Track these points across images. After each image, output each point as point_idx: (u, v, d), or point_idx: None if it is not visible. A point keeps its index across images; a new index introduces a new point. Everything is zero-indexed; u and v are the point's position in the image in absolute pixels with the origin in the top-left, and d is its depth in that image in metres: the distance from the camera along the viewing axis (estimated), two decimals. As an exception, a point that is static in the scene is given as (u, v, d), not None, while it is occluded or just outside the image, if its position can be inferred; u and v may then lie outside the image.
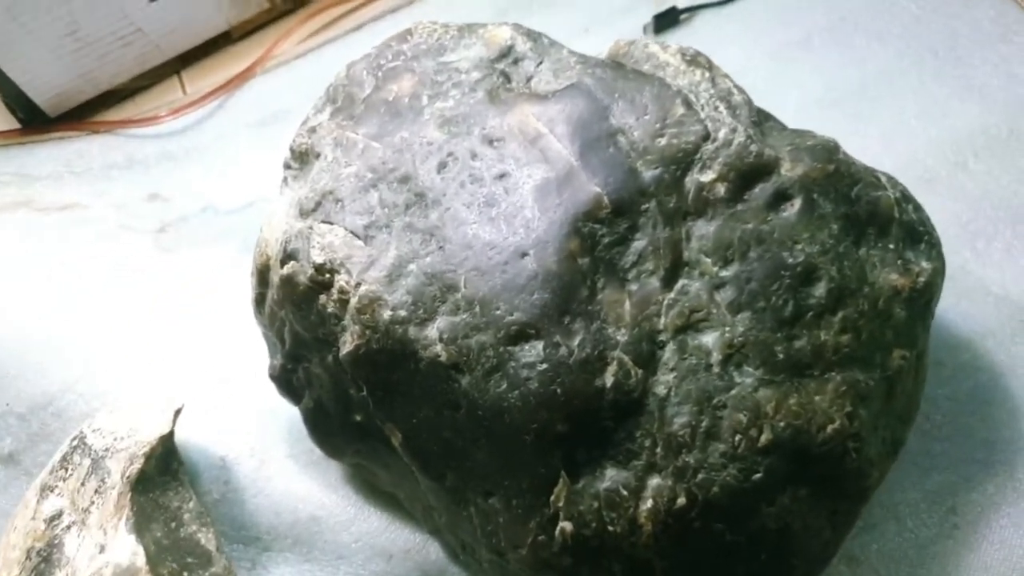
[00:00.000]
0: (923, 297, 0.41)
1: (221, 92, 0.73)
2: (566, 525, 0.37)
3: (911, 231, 0.42)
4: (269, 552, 0.50)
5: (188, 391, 0.53)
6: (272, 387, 0.50)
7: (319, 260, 0.41)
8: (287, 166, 0.47)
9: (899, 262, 0.40)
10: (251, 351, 0.54)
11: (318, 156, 0.44)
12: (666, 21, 0.68)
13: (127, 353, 0.57)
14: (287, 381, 0.48)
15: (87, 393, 0.55)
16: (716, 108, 0.41)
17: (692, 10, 0.69)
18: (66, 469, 0.47)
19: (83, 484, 0.46)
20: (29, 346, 0.57)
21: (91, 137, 0.72)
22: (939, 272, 0.42)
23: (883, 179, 0.42)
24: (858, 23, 0.67)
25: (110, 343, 0.57)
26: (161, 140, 0.71)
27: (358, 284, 0.40)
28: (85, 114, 0.73)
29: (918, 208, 0.43)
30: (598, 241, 0.38)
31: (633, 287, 0.38)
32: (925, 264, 0.41)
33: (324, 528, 0.50)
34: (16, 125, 0.72)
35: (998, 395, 0.49)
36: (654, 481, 0.37)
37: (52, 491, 0.46)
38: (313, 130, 0.45)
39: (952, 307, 0.52)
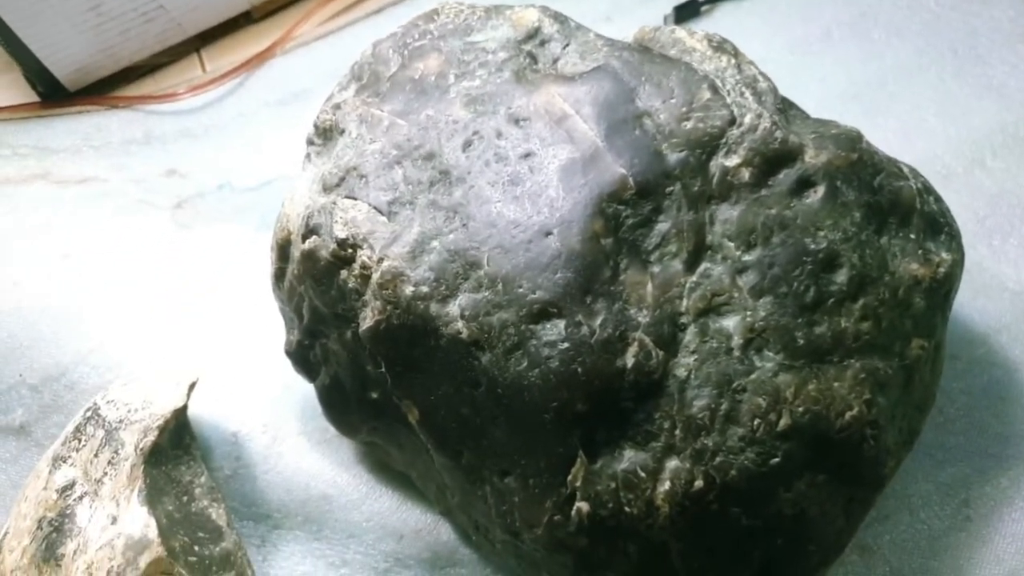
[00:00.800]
0: (943, 287, 0.41)
1: (241, 71, 0.73)
2: (583, 505, 0.37)
3: (932, 222, 0.42)
4: (279, 530, 0.50)
5: (202, 366, 0.53)
6: (287, 364, 0.50)
7: (342, 235, 0.41)
8: (310, 142, 0.47)
9: (920, 252, 0.41)
10: (266, 328, 0.54)
11: (342, 132, 0.45)
12: (686, 12, 0.68)
13: (141, 327, 0.57)
14: (303, 357, 0.48)
15: (101, 365, 0.55)
16: (742, 94, 0.41)
17: (712, 2, 0.69)
18: (79, 440, 0.47)
19: (96, 455, 0.46)
20: (43, 318, 0.57)
21: (110, 112, 0.72)
22: (959, 263, 0.42)
23: (905, 170, 0.42)
24: (878, 18, 0.67)
25: (125, 317, 0.58)
26: (180, 117, 0.72)
27: (380, 259, 0.40)
28: (104, 89, 0.73)
29: (939, 200, 0.43)
30: (622, 222, 0.38)
31: (656, 269, 0.38)
32: (945, 255, 0.41)
33: (335, 507, 0.50)
34: (35, 99, 0.72)
35: (1013, 390, 0.49)
36: (672, 463, 0.37)
37: (65, 462, 0.46)
38: (338, 107, 0.45)
39: (968, 302, 0.52)
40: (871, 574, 0.45)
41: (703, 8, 0.69)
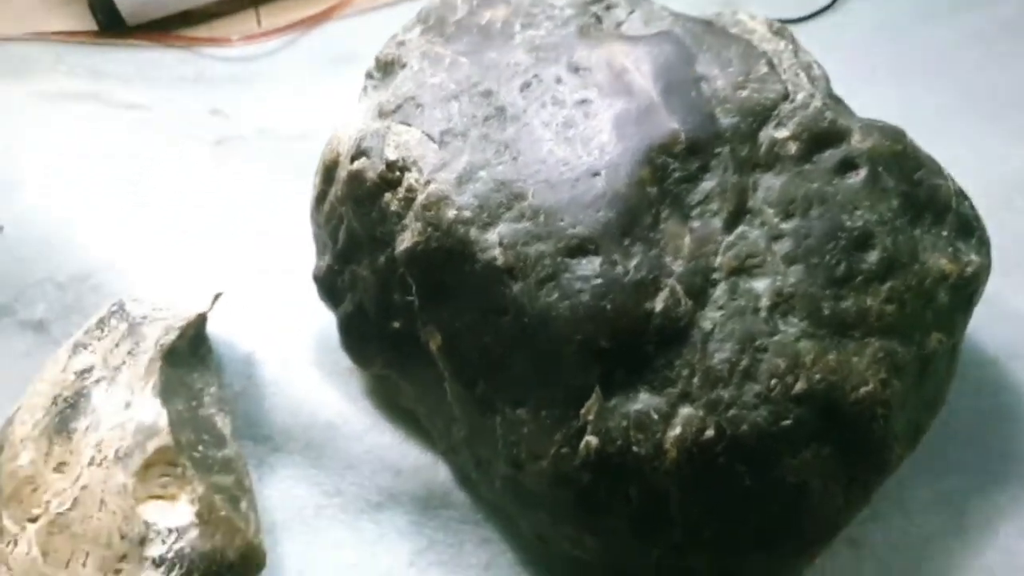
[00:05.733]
0: (968, 288, 0.42)
1: (295, 29, 0.75)
2: (592, 439, 0.38)
3: (965, 224, 0.43)
4: (278, 453, 0.50)
5: (226, 287, 0.53)
6: (308, 295, 0.51)
7: (392, 157, 0.42)
8: (369, 76, 0.48)
9: (950, 249, 0.42)
10: (294, 259, 0.55)
11: (403, 66, 0.46)
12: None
13: (171, 245, 0.58)
14: (331, 283, 0.49)
15: (127, 273, 0.56)
16: (797, 75, 0.42)
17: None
18: (102, 330, 0.47)
19: (117, 345, 0.46)
20: (78, 223, 0.58)
21: (164, 49, 0.74)
22: (985, 269, 0.43)
23: (945, 171, 0.43)
24: (923, 62, 0.69)
25: (155, 233, 0.59)
26: (230, 63, 0.73)
27: (428, 182, 0.41)
28: (161, 28, 0.75)
29: (973, 207, 0.44)
30: (669, 174, 0.40)
31: (695, 224, 0.39)
32: (974, 257, 0.42)
33: (337, 436, 0.50)
34: (94, 27, 0.74)
35: (1020, 413, 0.49)
36: (685, 410, 0.38)
37: (85, 348, 0.47)
38: (402, 43, 0.47)
39: (983, 327, 0.53)
40: (860, 568, 0.45)
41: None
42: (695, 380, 0.38)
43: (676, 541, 0.40)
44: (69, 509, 0.41)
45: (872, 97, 0.67)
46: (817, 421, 0.38)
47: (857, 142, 0.41)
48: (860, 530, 0.46)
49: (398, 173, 0.42)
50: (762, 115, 0.41)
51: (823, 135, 0.41)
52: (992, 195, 0.59)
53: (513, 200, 0.40)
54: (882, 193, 0.40)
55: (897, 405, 0.40)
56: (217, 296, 0.50)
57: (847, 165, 0.41)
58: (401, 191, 0.42)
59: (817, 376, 0.38)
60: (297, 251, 0.53)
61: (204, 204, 0.61)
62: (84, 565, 0.40)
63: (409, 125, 0.43)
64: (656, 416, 0.38)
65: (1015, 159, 0.62)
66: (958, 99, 0.66)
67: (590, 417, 0.38)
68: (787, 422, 0.38)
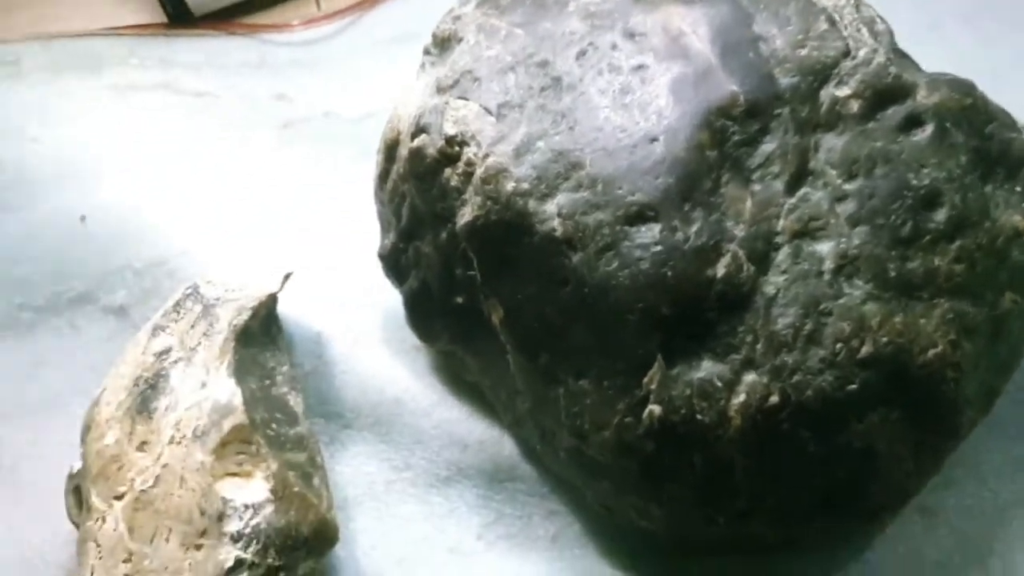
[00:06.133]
0: (1044, 246, 0.40)
1: (354, 11, 0.76)
2: (655, 408, 0.38)
3: (1040, 180, 0.41)
4: (349, 430, 0.51)
5: (296, 268, 0.54)
6: (375, 275, 0.52)
7: (451, 132, 0.43)
8: (427, 52, 0.48)
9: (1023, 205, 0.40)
10: (359, 240, 0.55)
11: (460, 41, 0.46)
12: None
13: (240, 228, 0.59)
14: (395, 261, 0.49)
15: (200, 258, 0.57)
16: (859, 30, 0.41)
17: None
18: (178, 312, 0.49)
19: (193, 327, 0.48)
20: (152, 210, 0.60)
21: (228, 38, 0.75)
22: (1062, 226, 0.42)
23: (1019, 124, 0.42)
24: (993, 9, 0.66)
25: (225, 217, 0.60)
26: (292, 48, 0.74)
27: (486, 156, 0.41)
28: (226, 16, 0.76)
29: (1049, 163, 0.43)
30: (728, 137, 0.39)
31: (756, 187, 0.39)
32: (1050, 214, 0.41)
33: (405, 412, 0.51)
34: (164, 20, 0.76)
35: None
36: (749, 377, 0.37)
37: (163, 330, 0.48)
38: (458, 18, 0.47)
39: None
40: (933, 536, 0.45)
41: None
42: (758, 346, 0.37)
43: (741, 509, 0.39)
44: (152, 486, 0.43)
45: (941, 49, 0.65)
46: (884, 385, 0.38)
47: (923, 97, 0.40)
48: (932, 497, 0.45)
49: (457, 148, 0.43)
50: (823, 74, 0.40)
51: (887, 92, 0.40)
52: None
53: (571, 170, 0.40)
54: (950, 149, 0.39)
55: (968, 368, 0.39)
56: (287, 276, 0.51)
57: (912, 122, 0.40)
58: (461, 166, 0.42)
59: (884, 339, 0.37)
60: (363, 230, 0.54)
61: (272, 187, 0.62)
62: (167, 541, 0.41)
63: (467, 99, 0.43)
64: (719, 383, 0.38)
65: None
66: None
67: (653, 386, 0.38)
68: (853, 387, 0.37)
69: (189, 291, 0.50)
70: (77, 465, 0.45)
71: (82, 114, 0.67)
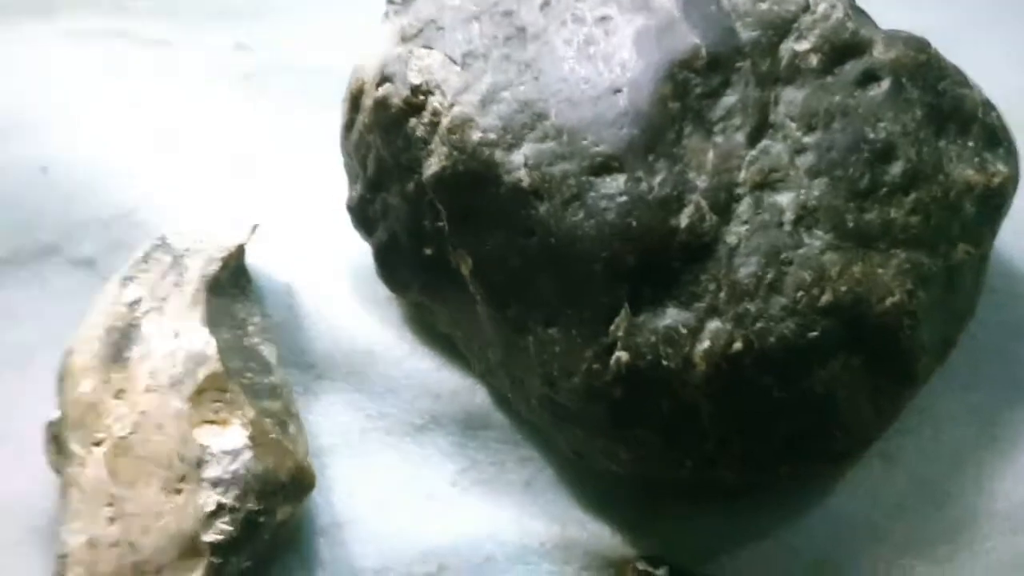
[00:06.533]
0: (995, 199, 0.42)
1: (317, -43, 0.74)
2: (622, 354, 0.39)
3: (991, 135, 0.43)
4: (321, 380, 0.52)
5: (263, 219, 0.54)
6: (343, 226, 0.52)
7: (415, 81, 0.43)
8: (390, 1, 0.48)
9: (976, 160, 0.42)
10: (326, 191, 0.56)
11: (424, -9, 0.46)
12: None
13: (204, 179, 0.59)
14: (363, 212, 0.50)
15: (166, 208, 0.57)
16: (818, -15, 0.42)
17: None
18: (147, 263, 0.49)
19: (163, 277, 0.48)
20: (116, 161, 0.59)
21: (185, -16, 0.74)
22: (1013, 180, 0.43)
23: (971, 81, 0.43)
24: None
25: (188, 168, 0.59)
26: (252, -3, 0.73)
27: (451, 105, 0.42)
28: (182, -39, 0.75)
29: (1000, 117, 0.44)
30: (690, 90, 0.40)
31: (718, 139, 0.40)
32: (1002, 167, 0.42)
33: (378, 361, 0.52)
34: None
35: (1051, 324, 0.50)
36: (713, 324, 0.39)
37: (133, 281, 0.48)
38: (422, -32, 0.47)
39: (1012, 243, 0.52)
40: (892, 480, 0.46)
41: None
42: (722, 295, 0.39)
43: (708, 453, 0.41)
44: (131, 433, 0.43)
45: (897, 6, 0.66)
46: (844, 332, 0.39)
47: (880, 53, 0.41)
48: (891, 444, 0.47)
49: (422, 97, 0.43)
50: (782, 28, 0.41)
51: (844, 46, 0.41)
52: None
53: (536, 120, 0.40)
54: (905, 104, 0.40)
55: (924, 316, 0.40)
56: (255, 227, 0.51)
57: (869, 76, 0.41)
58: (426, 115, 0.43)
59: (843, 288, 0.39)
60: (330, 182, 0.54)
61: (234, 140, 0.61)
62: (148, 485, 0.42)
63: (431, 48, 0.43)
64: (684, 331, 0.39)
65: (1052, 67, 0.61)
66: (995, 4, 0.65)
67: (619, 333, 0.39)
68: (814, 334, 0.39)
69: (158, 242, 0.50)
70: (55, 414, 0.46)
71: (31, 59, 0.65)
